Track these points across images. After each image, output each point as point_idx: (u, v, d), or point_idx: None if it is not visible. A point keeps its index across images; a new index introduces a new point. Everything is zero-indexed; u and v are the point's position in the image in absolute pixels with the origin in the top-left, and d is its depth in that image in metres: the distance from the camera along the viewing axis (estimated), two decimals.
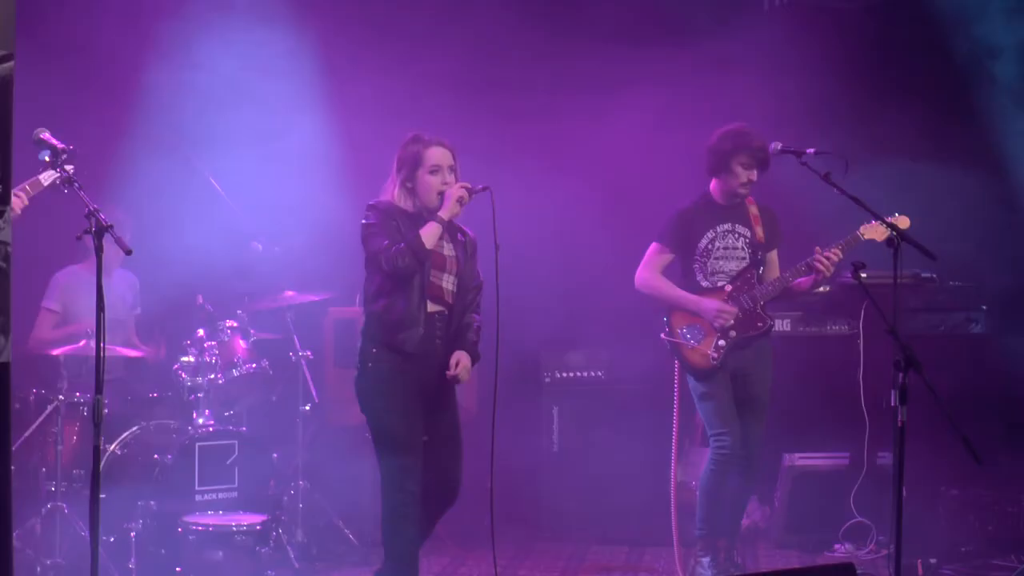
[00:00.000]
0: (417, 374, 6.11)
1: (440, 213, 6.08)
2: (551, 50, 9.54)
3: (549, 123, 9.39)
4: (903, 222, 6.64)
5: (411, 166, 6.18)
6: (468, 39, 9.33)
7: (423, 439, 6.18)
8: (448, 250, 6.23)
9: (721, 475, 7.11)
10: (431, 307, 6.14)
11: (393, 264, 5.98)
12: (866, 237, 7.02)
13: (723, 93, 8.96)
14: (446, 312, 6.20)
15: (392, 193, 6.21)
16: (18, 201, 5.80)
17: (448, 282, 6.20)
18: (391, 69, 9.07)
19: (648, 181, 8.96)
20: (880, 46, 9.14)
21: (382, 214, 6.11)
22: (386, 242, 6.01)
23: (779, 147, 6.90)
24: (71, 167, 5.83)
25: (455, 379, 6.17)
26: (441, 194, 6.15)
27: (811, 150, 6.65)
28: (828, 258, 6.98)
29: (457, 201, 6.08)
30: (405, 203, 6.18)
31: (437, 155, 6.17)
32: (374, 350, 6.13)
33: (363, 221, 6.16)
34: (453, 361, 6.15)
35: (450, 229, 6.25)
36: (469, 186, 6.13)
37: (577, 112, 9.35)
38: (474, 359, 6.29)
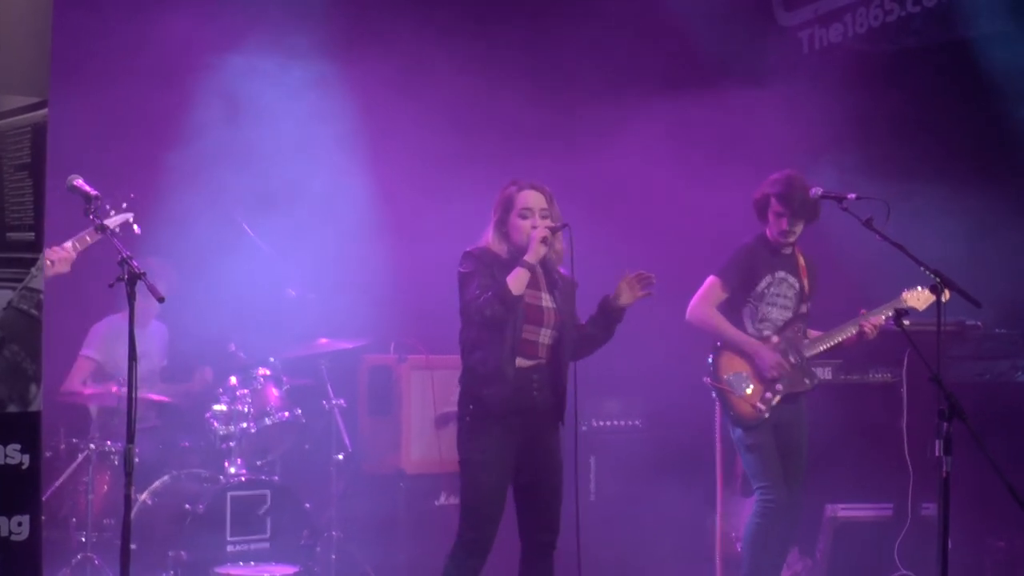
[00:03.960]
0: (512, 429, 6.06)
1: (526, 257, 6.03)
2: (589, 96, 9.59)
3: (589, 166, 9.39)
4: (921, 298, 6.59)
5: (504, 209, 6.17)
6: (509, 85, 9.37)
7: (526, 484, 6.16)
8: (547, 301, 6.16)
9: (767, 528, 7.03)
10: (523, 363, 6.07)
11: (482, 313, 5.94)
12: (907, 304, 7.05)
13: (762, 136, 8.96)
14: (543, 364, 6.14)
15: (489, 238, 6.19)
16: (64, 254, 5.92)
17: (545, 336, 6.14)
18: (429, 119, 9.11)
19: (687, 223, 8.96)
20: (923, 92, 9.09)
21: (476, 261, 6.08)
22: (476, 291, 5.99)
23: (819, 192, 6.85)
24: (131, 214, 6.01)
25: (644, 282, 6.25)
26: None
27: (852, 195, 6.59)
28: (874, 324, 7.01)
29: (541, 242, 6.04)
30: (500, 248, 6.15)
31: (529, 198, 6.15)
32: (471, 406, 6.09)
33: (459, 269, 6.12)
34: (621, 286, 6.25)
35: (548, 278, 6.21)
36: (551, 225, 6.11)
37: (614, 155, 9.35)
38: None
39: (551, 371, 6.17)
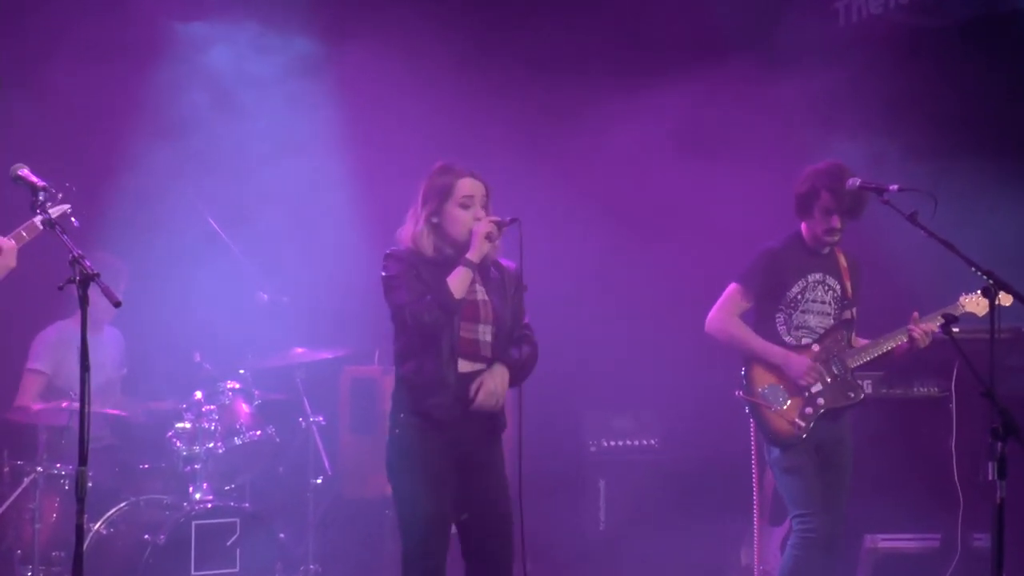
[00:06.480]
0: (451, 443, 6.01)
1: (468, 255, 5.99)
2: (593, 81, 9.60)
3: (595, 161, 9.41)
4: (1004, 300, 6.55)
5: (439, 198, 6.10)
6: (505, 78, 9.40)
7: (463, 517, 6.09)
8: (480, 294, 6.12)
9: (806, 562, 6.95)
10: (465, 366, 6.02)
11: (418, 319, 5.92)
12: (966, 309, 7.02)
13: (790, 120, 8.97)
14: (484, 369, 6.10)
15: (412, 233, 6.12)
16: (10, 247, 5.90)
17: (484, 333, 6.09)
18: (417, 113, 9.13)
19: (706, 221, 8.97)
20: (974, 70, 9.08)
21: (401, 263, 6.05)
22: (407, 295, 5.97)
23: (857, 182, 6.84)
24: (67, 206, 5.96)
25: (476, 406, 5.99)
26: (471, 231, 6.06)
27: (894, 186, 6.58)
28: (925, 330, 6.98)
29: (485, 238, 5.99)
30: (427, 243, 6.09)
31: (469, 186, 6.10)
32: (401, 415, 6.05)
33: (382, 273, 6.09)
34: (474, 386, 5.99)
35: (481, 268, 6.14)
36: (498, 220, 6.05)
37: (622, 147, 9.36)
38: (515, 377, 6.11)
39: None
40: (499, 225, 6.03)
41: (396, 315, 6.06)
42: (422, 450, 6.02)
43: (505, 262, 6.23)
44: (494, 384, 6.01)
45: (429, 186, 6.15)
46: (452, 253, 6.06)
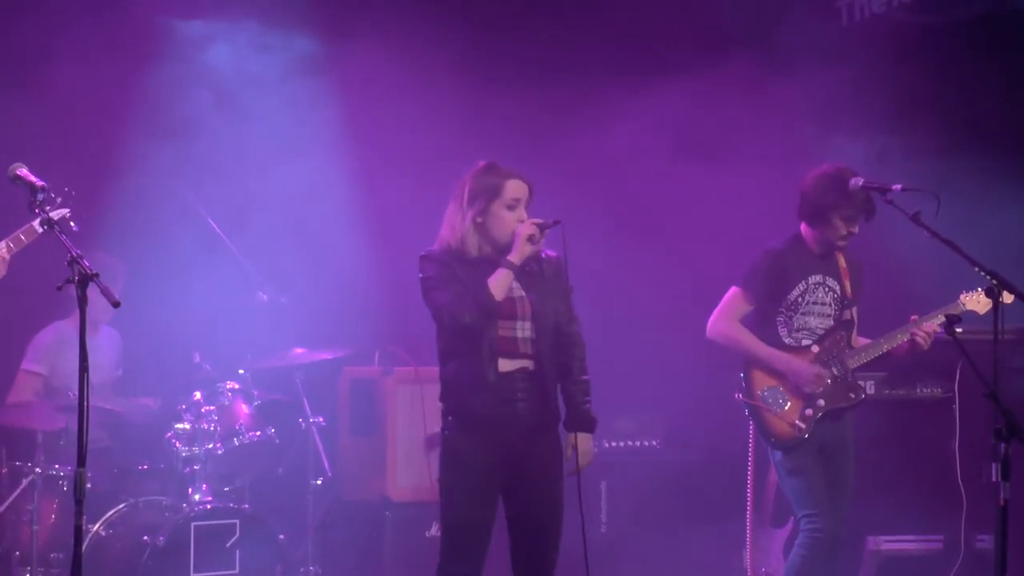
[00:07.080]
0: (494, 444, 6.00)
1: (510, 257, 5.97)
2: (591, 82, 9.59)
3: (593, 162, 9.40)
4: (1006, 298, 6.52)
5: (487, 198, 6.05)
6: (505, 75, 9.40)
7: (512, 513, 6.11)
8: (516, 291, 6.07)
9: (814, 561, 6.94)
10: (506, 365, 6.00)
11: (457, 320, 5.92)
12: (967, 308, 7.00)
13: (792, 122, 8.95)
14: (530, 367, 6.07)
15: (460, 233, 6.08)
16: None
17: (523, 330, 6.06)
18: (418, 110, 9.13)
19: (708, 222, 8.96)
20: (980, 70, 9.08)
21: (437, 264, 6.03)
22: (446, 296, 5.97)
23: (860, 182, 6.83)
24: (66, 210, 5.97)
25: (577, 470, 6.10)
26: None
27: (898, 186, 6.57)
28: (927, 332, 6.96)
29: (527, 240, 5.98)
30: (471, 243, 6.06)
31: (516, 188, 6.08)
32: (450, 418, 6.07)
33: (420, 275, 6.08)
34: (569, 449, 6.09)
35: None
36: (540, 222, 6.03)
37: (621, 148, 9.35)
38: (591, 429, 6.23)
39: (543, 374, 6.09)
40: (542, 228, 6.02)
41: (435, 316, 6.04)
42: (459, 452, 6.04)
43: (545, 253, 6.18)
44: (584, 445, 6.14)
45: (475, 185, 6.10)
46: (492, 253, 6.04)
